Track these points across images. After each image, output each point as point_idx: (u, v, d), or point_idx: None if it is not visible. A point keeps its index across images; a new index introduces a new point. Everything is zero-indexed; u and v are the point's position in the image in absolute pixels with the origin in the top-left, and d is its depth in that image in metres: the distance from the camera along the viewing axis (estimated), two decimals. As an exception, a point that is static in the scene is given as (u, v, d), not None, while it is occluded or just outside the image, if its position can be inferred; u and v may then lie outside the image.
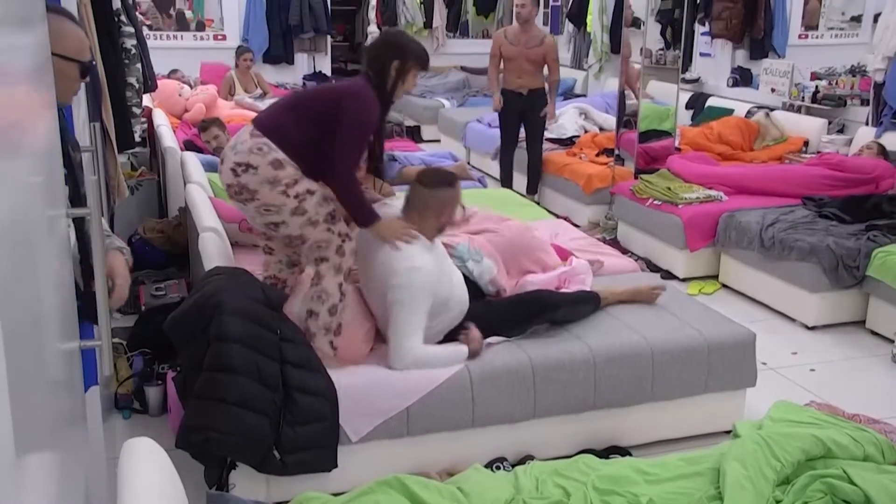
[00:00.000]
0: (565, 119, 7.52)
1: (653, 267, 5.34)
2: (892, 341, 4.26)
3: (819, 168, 5.59)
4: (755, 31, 7.72)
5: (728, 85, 7.81)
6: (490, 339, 3.13)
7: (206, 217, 3.73)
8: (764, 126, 6.61)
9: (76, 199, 1.93)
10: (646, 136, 6.35)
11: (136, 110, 4.34)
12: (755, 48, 7.85)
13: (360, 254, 3.16)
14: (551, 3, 10.20)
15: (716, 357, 3.29)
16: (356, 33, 10.91)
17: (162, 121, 6.20)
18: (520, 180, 6.91)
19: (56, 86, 1.55)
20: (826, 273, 4.42)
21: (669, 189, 5.40)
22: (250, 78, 8.28)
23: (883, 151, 5.67)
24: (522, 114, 6.60)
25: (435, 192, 3.07)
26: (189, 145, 5.81)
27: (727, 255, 5.11)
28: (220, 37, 9.39)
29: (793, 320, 4.65)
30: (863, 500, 2.32)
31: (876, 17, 6.76)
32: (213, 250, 3.37)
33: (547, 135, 6.98)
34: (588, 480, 2.43)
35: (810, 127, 6.62)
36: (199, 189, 4.19)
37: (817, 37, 8.39)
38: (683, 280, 5.20)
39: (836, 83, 6.90)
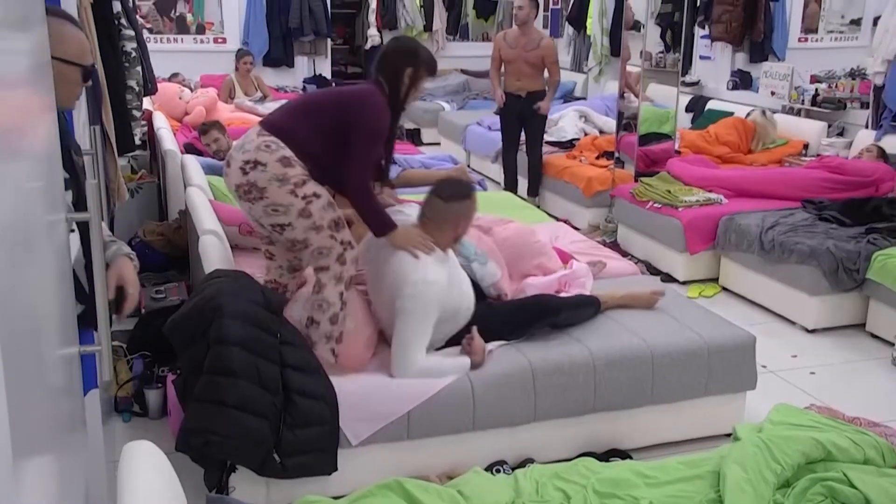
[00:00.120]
0: (565, 122, 7.52)
1: (653, 270, 5.34)
2: (893, 344, 4.25)
3: (819, 171, 5.59)
4: (755, 35, 7.72)
5: (728, 88, 7.81)
6: (490, 346, 3.12)
7: (207, 220, 3.73)
8: (761, 126, 6.61)
9: (80, 203, 1.91)
10: (646, 139, 6.35)
11: (137, 113, 4.34)
12: (755, 51, 7.85)
13: (370, 256, 3.15)
14: (551, 6, 10.21)
15: (716, 360, 3.29)
16: (356, 36, 10.91)
17: (162, 124, 6.20)
18: (521, 183, 6.91)
19: (58, 90, 1.55)
20: (826, 276, 4.42)
21: (669, 192, 5.40)
22: (250, 81, 8.28)
23: (883, 154, 5.67)
24: (522, 116, 6.60)
25: (452, 206, 3.04)
26: (189, 148, 5.81)
27: (727, 257, 5.11)
28: (220, 40, 9.40)
29: (793, 323, 4.65)
30: (863, 504, 2.32)
31: (875, 21, 6.75)
32: (214, 253, 3.37)
33: (547, 138, 6.99)
34: (588, 483, 2.43)
35: (810, 130, 6.62)
36: (199, 192, 4.19)
37: (817, 40, 8.39)
38: (683, 283, 5.19)
39: (836, 86, 6.90)
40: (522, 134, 6.74)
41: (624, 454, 3.18)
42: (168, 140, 5.67)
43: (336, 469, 2.82)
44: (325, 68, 9.95)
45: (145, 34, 7.12)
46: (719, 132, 6.60)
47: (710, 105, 7.63)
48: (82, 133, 3.05)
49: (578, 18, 9.55)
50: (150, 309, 4.07)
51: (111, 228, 4.00)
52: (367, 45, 10.27)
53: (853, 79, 6.89)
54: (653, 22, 6.77)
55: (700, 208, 5.23)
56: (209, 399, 2.63)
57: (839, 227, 4.78)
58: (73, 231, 1.92)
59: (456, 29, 11.30)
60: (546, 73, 6.59)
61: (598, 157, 6.67)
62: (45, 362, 1.16)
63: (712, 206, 5.27)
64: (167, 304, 4.06)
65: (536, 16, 6.64)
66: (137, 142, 4.49)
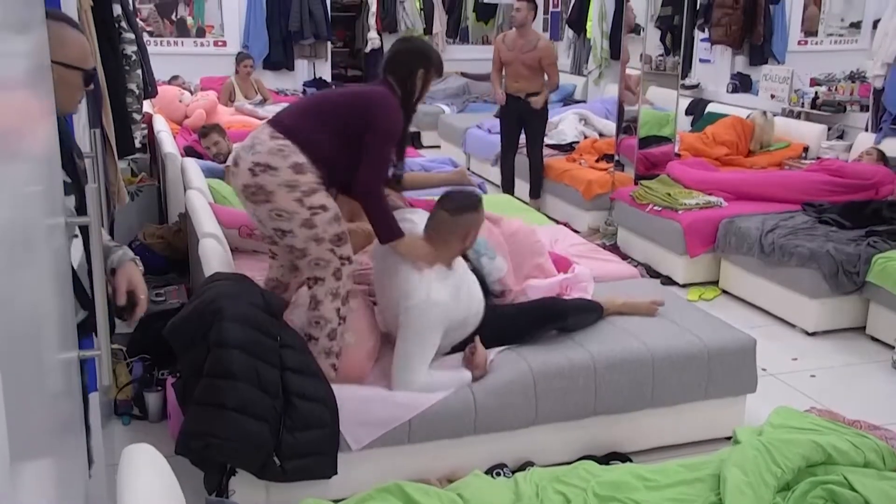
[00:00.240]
0: (565, 125, 7.53)
1: (653, 273, 5.33)
2: (893, 347, 4.25)
3: (819, 174, 5.59)
4: (755, 38, 7.73)
5: (728, 91, 7.82)
6: (490, 355, 3.10)
7: (206, 223, 3.73)
8: (760, 126, 6.61)
9: (83, 207, 1.88)
10: (645, 141, 6.35)
11: (137, 116, 4.35)
12: (755, 54, 7.86)
13: (376, 258, 3.14)
14: (551, 8, 10.22)
15: (716, 363, 3.29)
16: (356, 39, 10.91)
17: (162, 127, 6.20)
18: (521, 186, 6.91)
19: (59, 94, 1.53)
20: (826, 279, 4.42)
21: (669, 195, 5.40)
22: (250, 84, 8.29)
23: (882, 157, 5.67)
24: (521, 118, 6.62)
25: (458, 219, 2.98)
26: (189, 151, 5.81)
27: (727, 260, 5.11)
28: (220, 43, 9.41)
29: (793, 326, 4.65)
30: (863, 507, 2.32)
31: (875, 24, 6.76)
32: (213, 256, 3.37)
33: (547, 140, 6.99)
34: (588, 487, 2.43)
35: (810, 133, 6.63)
36: (199, 195, 4.19)
37: (817, 43, 8.40)
38: (683, 286, 5.19)
39: (836, 89, 6.90)
40: (522, 136, 6.76)
41: (624, 457, 3.18)
42: (168, 143, 5.67)
43: (336, 472, 2.81)
44: (325, 71, 9.96)
45: (146, 37, 7.13)
46: (717, 132, 6.62)
47: (710, 108, 7.64)
48: (82, 136, 3.05)
49: (578, 21, 9.57)
50: (150, 312, 4.04)
51: (111, 231, 4.00)
52: (368, 49, 10.27)
53: (853, 82, 6.90)
54: (653, 25, 6.77)
55: (700, 211, 5.23)
56: (209, 402, 2.63)
57: (839, 229, 4.78)
58: (76, 237, 1.91)
59: (456, 32, 11.31)
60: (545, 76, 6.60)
61: (597, 160, 6.68)
62: (43, 366, 1.15)
63: (712, 208, 5.27)
64: (167, 307, 4.07)
65: (534, 18, 6.64)
66: (137, 145, 4.50)
